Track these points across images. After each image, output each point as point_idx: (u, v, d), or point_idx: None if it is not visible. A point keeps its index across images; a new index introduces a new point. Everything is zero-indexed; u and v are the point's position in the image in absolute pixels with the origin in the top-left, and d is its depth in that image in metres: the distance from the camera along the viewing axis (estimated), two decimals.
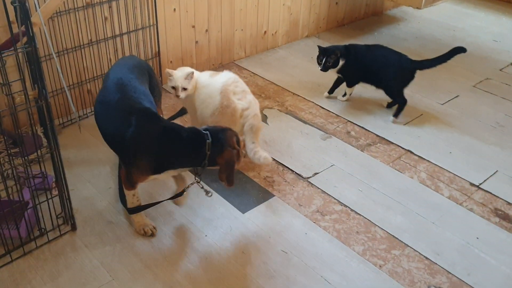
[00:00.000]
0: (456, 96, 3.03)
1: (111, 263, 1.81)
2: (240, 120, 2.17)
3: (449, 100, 2.98)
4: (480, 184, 2.27)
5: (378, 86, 2.80)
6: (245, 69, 3.27)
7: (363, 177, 2.31)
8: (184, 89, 2.20)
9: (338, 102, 2.92)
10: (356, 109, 2.86)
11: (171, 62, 2.98)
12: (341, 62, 2.72)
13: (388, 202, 2.16)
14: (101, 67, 2.67)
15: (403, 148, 2.52)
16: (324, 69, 2.75)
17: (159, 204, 1.99)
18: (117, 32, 2.65)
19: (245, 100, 2.20)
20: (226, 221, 2.03)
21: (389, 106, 2.86)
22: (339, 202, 2.15)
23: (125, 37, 2.70)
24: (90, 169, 2.29)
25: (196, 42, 3.07)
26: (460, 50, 2.67)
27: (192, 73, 2.20)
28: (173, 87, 2.22)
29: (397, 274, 1.81)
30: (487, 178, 2.31)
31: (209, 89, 2.22)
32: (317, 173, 2.32)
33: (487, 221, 2.06)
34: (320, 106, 2.87)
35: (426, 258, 1.88)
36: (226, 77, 2.23)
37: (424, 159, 2.44)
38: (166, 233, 1.96)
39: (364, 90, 2.96)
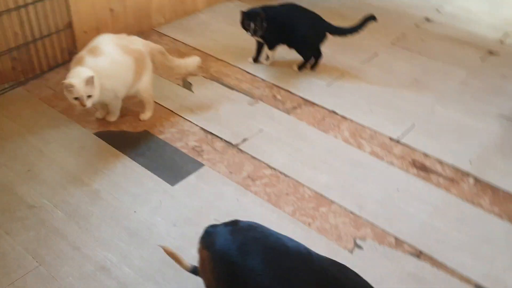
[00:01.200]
0: (375, 54, 3.13)
1: (37, 249, 1.74)
2: (148, 59, 2.35)
3: (368, 59, 3.07)
4: (399, 138, 2.39)
5: (290, 46, 2.83)
6: (166, 35, 3.17)
7: (290, 140, 2.35)
8: (89, 96, 2.06)
9: (263, 66, 2.93)
10: (281, 72, 2.88)
11: (85, 32, 2.83)
12: (264, 25, 2.71)
13: (314, 162, 2.22)
14: (6, 41, 2.48)
15: (327, 109, 2.58)
16: (254, 33, 2.71)
17: (84, 184, 1.92)
18: (21, 3, 2.46)
19: (136, 43, 2.32)
20: (155, 195, 2.00)
21: (314, 68, 2.91)
22: (269, 166, 2.18)
23: (31, 7, 2.51)
24: (4, 152, 2.16)
25: (111, 9, 2.92)
26: (370, 18, 2.76)
27: (92, 76, 2.04)
28: (76, 98, 2.04)
29: (325, 230, 1.89)
30: (405, 132, 2.43)
31: (110, 65, 2.17)
32: (246, 139, 2.34)
33: (406, 173, 2.19)
34: (246, 71, 2.86)
35: (351, 212, 1.98)
36: (106, 43, 2.21)
37: (346, 118, 2.52)
38: (93, 213, 1.91)
39: (288, 52, 2.98)
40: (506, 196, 2.08)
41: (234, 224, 1.41)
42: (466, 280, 1.72)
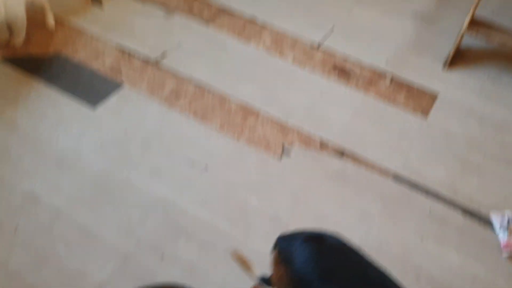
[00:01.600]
0: None
1: None
2: None
3: None
4: (320, 43, 2.42)
5: None
6: None
7: (211, 52, 2.30)
8: None
9: None
10: None
11: None
12: None
13: (238, 73, 2.21)
14: None
15: (246, 17, 2.53)
16: None
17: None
18: None
19: None
20: (76, 121, 1.93)
21: None
22: (192, 81, 2.15)
23: None
24: None
25: None
26: None
27: None
28: None
29: (254, 141, 1.94)
30: (325, 36, 2.45)
31: None
32: (165, 54, 2.26)
33: (327, 78, 2.24)
34: None
35: (278, 121, 2.03)
36: None
37: (267, 25, 2.49)
38: (12, 144, 1.81)
39: None
40: (420, 92, 2.21)
41: (319, 242, 1.22)
42: (385, 172, 1.87)
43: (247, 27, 2.46)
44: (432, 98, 2.18)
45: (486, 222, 1.74)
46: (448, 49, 2.36)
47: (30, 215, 1.62)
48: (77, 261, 1.53)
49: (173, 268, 1.54)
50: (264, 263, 1.58)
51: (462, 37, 2.23)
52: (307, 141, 1.96)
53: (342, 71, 2.28)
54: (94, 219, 1.63)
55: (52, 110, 1.95)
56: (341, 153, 1.92)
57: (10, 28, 2.16)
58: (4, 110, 1.92)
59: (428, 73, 2.29)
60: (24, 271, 1.49)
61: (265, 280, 1.35)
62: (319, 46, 2.40)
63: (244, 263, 1.38)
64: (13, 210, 1.62)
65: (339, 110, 2.10)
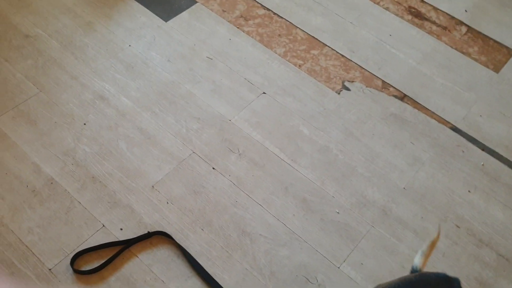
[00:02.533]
0: None
1: (36, 76, 1.81)
2: None
3: None
4: None
5: None
6: None
7: None
8: None
9: None
10: None
11: None
12: None
13: (309, 4, 2.19)
14: None
15: None
16: None
17: (77, 16, 1.91)
18: None
19: None
20: (149, 31, 2.01)
21: None
22: (262, 6, 2.15)
23: None
24: None
25: None
26: None
27: None
28: None
29: (315, 72, 1.95)
30: None
31: None
32: None
33: (400, 19, 2.18)
34: None
35: (342, 56, 2.02)
36: None
37: None
38: (88, 44, 1.93)
39: None
40: (496, 46, 2.11)
41: None
42: (444, 121, 1.84)
43: None
44: (508, 53, 2.07)
45: None
46: None
47: (99, 112, 1.75)
48: (136, 160, 1.66)
49: (222, 179, 1.64)
50: (305, 189, 1.65)
51: None
52: (368, 79, 1.95)
53: (417, 13, 2.20)
54: (155, 124, 1.74)
55: (127, 17, 2.04)
56: (402, 97, 1.90)
57: None
58: (84, 11, 2.02)
59: (508, 27, 2.17)
60: (89, 161, 1.64)
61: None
62: None
63: (432, 246, 1.26)
64: (84, 106, 1.76)
65: (407, 53, 2.05)
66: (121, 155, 1.66)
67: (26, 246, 1.45)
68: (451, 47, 2.09)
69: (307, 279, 1.47)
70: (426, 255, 1.21)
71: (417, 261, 1.19)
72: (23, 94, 1.75)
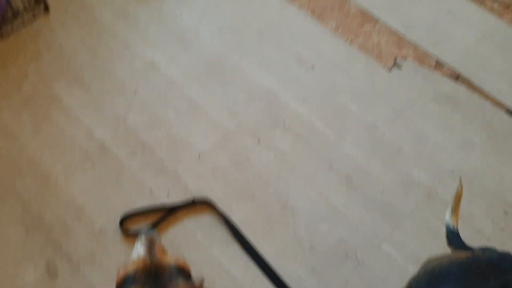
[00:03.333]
0: None
1: (90, 44, 1.86)
2: None
3: None
4: None
5: None
6: None
7: None
8: None
9: None
10: None
11: None
12: None
13: None
14: None
15: None
16: None
17: None
18: None
19: None
20: (200, 1, 2.01)
21: None
22: None
23: None
24: None
25: None
26: None
27: None
28: None
29: (366, 48, 1.91)
30: None
31: None
32: None
33: None
34: None
35: (396, 32, 1.96)
36: None
37: None
38: (140, 13, 1.96)
39: None
40: None
41: None
42: (499, 104, 1.77)
43: None
44: None
45: None
46: None
47: (149, 81, 1.79)
48: (184, 129, 1.69)
49: (267, 152, 1.65)
50: (349, 166, 1.64)
51: None
52: (422, 57, 1.89)
53: None
54: (203, 95, 1.76)
55: None
56: (456, 77, 1.84)
57: None
58: None
59: None
60: (138, 128, 1.69)
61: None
62: None
63: (458, 199, 1.24)
64: (135, 74, 1.80)
65: (465, 31, 1.97)
66: (169, 124, 1.70)
67: (79, 206, 1.53)
68: None
69: (347, 254, 1.47)
70: (455, 211, 1.20)
71: (449, 219, 1.18)
72: (77, 61, 1.81)
